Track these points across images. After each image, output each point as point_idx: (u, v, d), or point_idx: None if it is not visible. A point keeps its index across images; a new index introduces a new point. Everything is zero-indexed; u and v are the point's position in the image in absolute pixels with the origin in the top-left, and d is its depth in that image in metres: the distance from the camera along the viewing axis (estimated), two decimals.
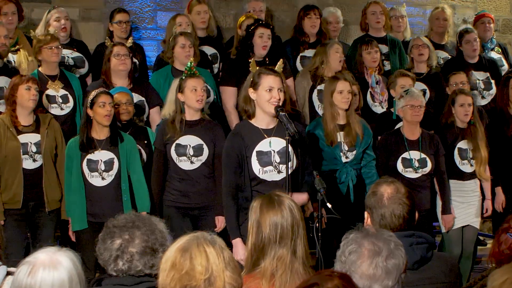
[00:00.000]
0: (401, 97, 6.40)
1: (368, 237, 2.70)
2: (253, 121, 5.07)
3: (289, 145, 4.89)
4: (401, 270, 2.68)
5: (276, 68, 5.18)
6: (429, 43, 7.50)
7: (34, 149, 5.90)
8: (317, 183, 4.79)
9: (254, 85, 4.98)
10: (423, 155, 6.33)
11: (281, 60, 5.45)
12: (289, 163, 4.93)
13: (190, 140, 5.83)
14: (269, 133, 5.04)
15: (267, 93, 4.95)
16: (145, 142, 6.20)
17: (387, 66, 7.68)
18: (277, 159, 5.01)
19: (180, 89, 5.82)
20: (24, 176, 5.88)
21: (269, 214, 3.38)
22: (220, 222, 5.83)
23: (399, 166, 6.31)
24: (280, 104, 4.95)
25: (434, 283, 3.26)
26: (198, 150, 5.83)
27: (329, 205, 4.70)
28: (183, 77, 5.88)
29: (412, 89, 6.52)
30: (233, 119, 6.69)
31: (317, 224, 4.70)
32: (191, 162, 5.83)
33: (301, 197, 5.04)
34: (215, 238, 2.68)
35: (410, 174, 6.30)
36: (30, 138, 5.91)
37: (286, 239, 3.36)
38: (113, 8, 7.73)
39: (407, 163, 6.31)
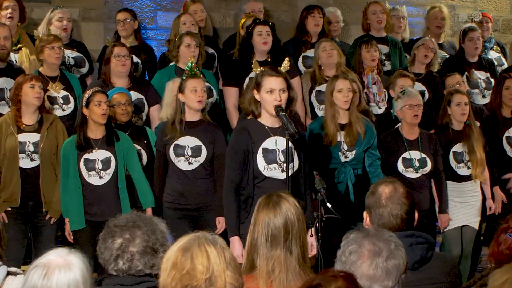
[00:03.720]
0: (398, 98, 6.36)
1: (368, 238, 2.70)
2: (259, 120, 5.07)
3: (292, 145, 4.90)
4: (401, 271, 2.69)
5: (281, 68, 5.15)
6: (438, 48, 7.45)
7: (31, 148, 5.89)
8: (317, 183, 4.78)
9: (257, 87, 4.98)
10: (423, 155, 6.30)
11: (287, 58, 5.34)
12: (291, 163, 4.93)
13: (188, 141, 5.82)
14: (275, 132, 5.04)
15: (268, 95, 4.94)
16: (145, 142, 6.20)
17: (388, 66, 7.67)
18: (282, 158, 5.00)
19: (181, 90, 5.80)
20: (22, 175, 5.88)
21: (263, 213, 3.45)
22: (221, 223, 5.82)
23: (400, 166, 6.28)
24: (284, 104, 4.94)
25: (434, 283, 3.26)
26: (196, 151, 5.81)
27: (329, 205, 4.70)
28: (184, 78, 5.86)
29: (409, 89, 6.46)
30: (234, 118, 6.69)
31: (317, 224, 4.70)
32: (189, 163, 5.81)
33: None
34: (216, 238, 2.68)
35: (411, 174, 6.28)
36: (30, 137, 5.91)
37: (279, 238, 3.39)
38: (113, 8, 7.75)
39: (408, 163, 6.29)
